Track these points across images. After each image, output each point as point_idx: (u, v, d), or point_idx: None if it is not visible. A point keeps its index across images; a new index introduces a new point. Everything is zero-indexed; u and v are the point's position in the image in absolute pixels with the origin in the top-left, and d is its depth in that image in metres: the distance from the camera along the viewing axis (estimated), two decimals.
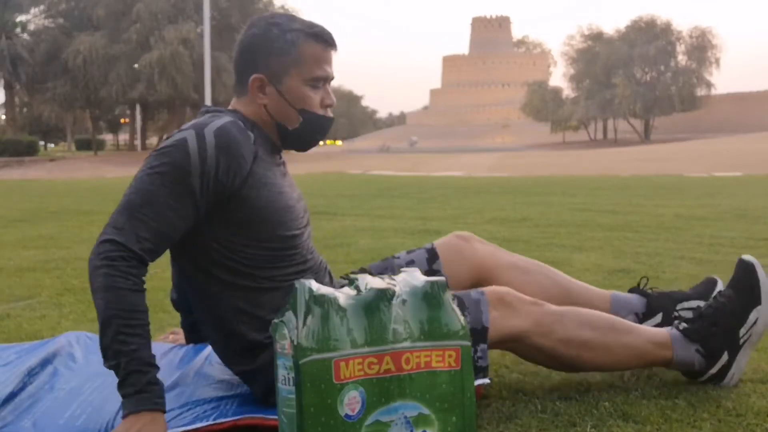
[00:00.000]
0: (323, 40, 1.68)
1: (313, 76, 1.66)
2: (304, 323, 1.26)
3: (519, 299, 1.72)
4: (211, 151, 1.51)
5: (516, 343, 1.73)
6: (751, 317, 1.78)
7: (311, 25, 1.68)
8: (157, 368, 1.44)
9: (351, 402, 1.26)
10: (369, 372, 1.28)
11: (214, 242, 1.60)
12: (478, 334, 1.66)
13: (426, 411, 1.32)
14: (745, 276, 1.82)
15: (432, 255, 1.99)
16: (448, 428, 1.34)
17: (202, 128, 1.55)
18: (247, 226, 1.59)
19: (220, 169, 1.52)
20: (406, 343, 1.31)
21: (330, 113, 1.72)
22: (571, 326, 1.74)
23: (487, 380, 1.67)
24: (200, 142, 1.52)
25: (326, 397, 1.24)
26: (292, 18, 1.70)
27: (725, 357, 1.79)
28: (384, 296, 1.32)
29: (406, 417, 1.31)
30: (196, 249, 1.60)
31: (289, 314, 1.31)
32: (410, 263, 1.96)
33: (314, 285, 1.30)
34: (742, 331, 1.78)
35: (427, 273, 1.87)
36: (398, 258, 2.00)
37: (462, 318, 1.38)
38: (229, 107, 1.72)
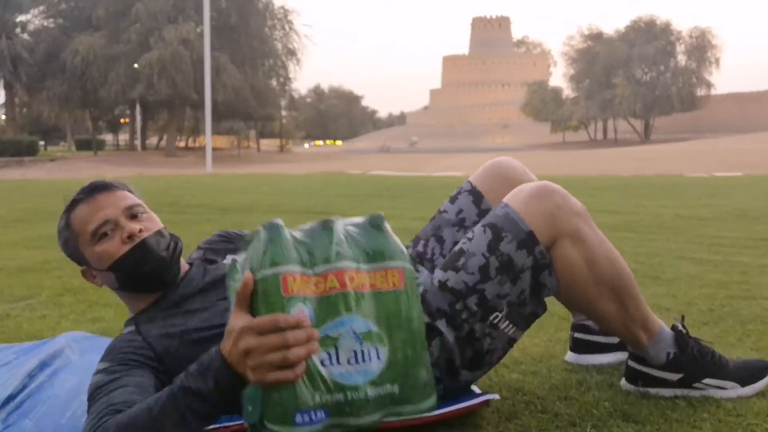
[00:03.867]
0: (76, 200, 1.69)
1: (90, 233, 1.64)
2: (259, 250, 1.31)
3: (560, 206, 1.67)
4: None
5: (556, 244, 1.66)
6: (726, 384, 1.76)
7: (70, 201, 1.71)
8: None
9: (299, 314, 1.27)
10: (315, 290, 1.30)
11: None
12: (528, 241, 1.62)
13: (374, 328, 1.33)
14: (758, 365, 1.83)
15: (476, 195, 1.92)
16: (396, 345, 1.35)
17: None
18: None
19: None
20: (351, 263, 1.34)
21: (138, 239, 1.63)
22: (602, 253, 1.69)
23: (496, 396, 1.66)
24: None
25: (275, 309, 1.25)
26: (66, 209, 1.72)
27: (675, 377, 1.76)
28: (327, 225, 1.38)
29: (354, 331, 1.32)
30: None
31: (242, 254, 1.34)
32: (459, 213, 1.91)
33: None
34: (708, 381, 1.76)
35: (478, 215, 1.88)
36: (446, 212, 1.93)
37: (402, 245, 1.42)
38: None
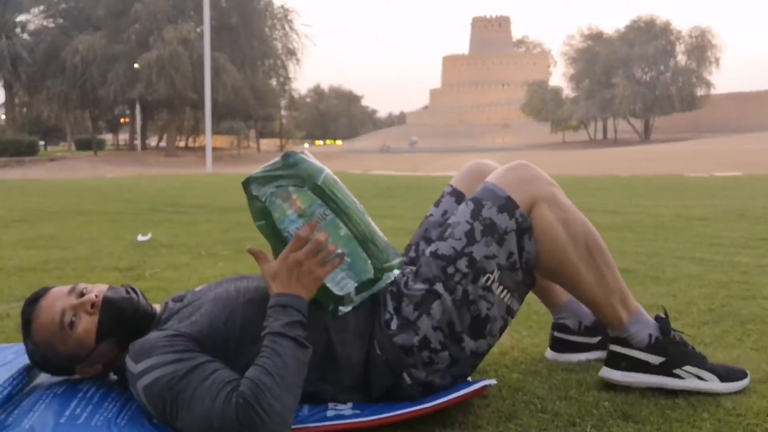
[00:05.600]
0: (27, 321, 1.76)
1: (58, 329, 1.70)
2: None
3: (534, 176, 1.78)
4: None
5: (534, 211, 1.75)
6: (706, 375, 1.79)
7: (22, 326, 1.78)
8: None
9: (305, 227, 1.59)
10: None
11: None
12: (508, 205, 1.71)
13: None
14: (737, 369, 1.86)
15: (458, 196, 2.04)
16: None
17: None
18: None
19: None
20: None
21: (99, 301, 1.70)
22: (577, 217, 1.77)
23: (493, 381, 1.67)
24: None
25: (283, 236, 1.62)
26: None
27: (657, 360, 1.78)
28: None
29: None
30: None
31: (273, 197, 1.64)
32: (444, 214, 2.02)
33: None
34: (689, 369, 1.78)
35: None
36: (431, 215, 2.04)
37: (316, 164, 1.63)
38: None
